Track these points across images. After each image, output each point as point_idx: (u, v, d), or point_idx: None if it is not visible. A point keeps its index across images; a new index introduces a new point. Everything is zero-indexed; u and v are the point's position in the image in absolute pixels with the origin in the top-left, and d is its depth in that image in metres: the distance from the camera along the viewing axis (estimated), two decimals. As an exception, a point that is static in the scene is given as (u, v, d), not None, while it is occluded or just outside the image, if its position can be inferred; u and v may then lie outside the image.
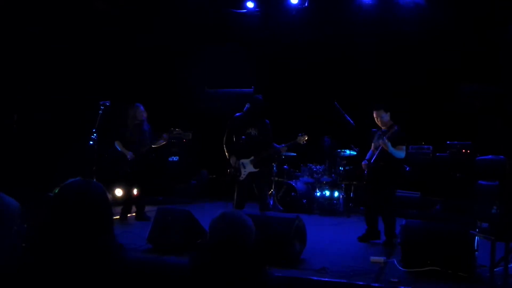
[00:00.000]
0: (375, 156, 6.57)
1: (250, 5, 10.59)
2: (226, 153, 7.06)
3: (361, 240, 6.71)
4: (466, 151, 8.59)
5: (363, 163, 6.82)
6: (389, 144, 6.28)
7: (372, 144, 6.85)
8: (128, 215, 8.02)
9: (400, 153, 6.41)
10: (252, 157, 6.90)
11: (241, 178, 6.91)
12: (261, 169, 6.98)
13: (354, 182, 9.49)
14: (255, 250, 2.19)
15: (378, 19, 9.91)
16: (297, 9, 10.35)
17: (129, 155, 7.78)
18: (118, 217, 7.77)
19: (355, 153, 9.32)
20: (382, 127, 6.68)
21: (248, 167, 6.93)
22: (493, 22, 9.07)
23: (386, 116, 6.63)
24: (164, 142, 8.16)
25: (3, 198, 1.90)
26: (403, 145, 6.45)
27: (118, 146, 7.86)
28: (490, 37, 9.24)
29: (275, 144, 7.05)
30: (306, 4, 10.22)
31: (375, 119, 6.70)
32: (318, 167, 9.70)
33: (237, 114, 7.10)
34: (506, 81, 9.05)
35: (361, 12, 9.96)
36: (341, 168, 9.42)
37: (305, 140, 6.94)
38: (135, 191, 8.00)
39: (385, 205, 6.52)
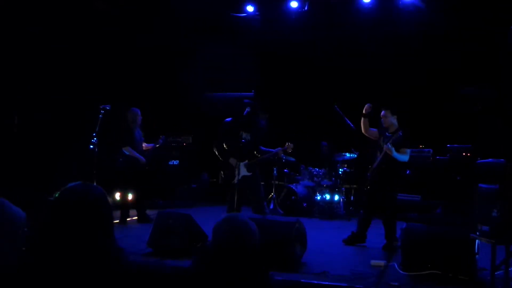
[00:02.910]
0: (378, 160, 6.58)
1: (250, 8, 10.59)
2: (221, 156, 7.14)
3: (346, 242, 6.72)
4: (466, 154, 8.59)
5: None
6: (393, 149, 6.32)
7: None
8: (128, 219, 8.02)
9: (403, 156, 6.46)
10: (246, 161, 7.02)
11: (235, 181, 6.96)
12: (254, 173, 7.06)
13: (355, 186, 9.49)
14: (258, 254, 2.18)
15: (378, 22, 9.91)
16: (296, 13, 10.35)
17: (142, 159, 7.87)
18: (118, 221, 7.77)
19: (355, 156, 9.32)
20: (387, 128, 6.72)
21: (242, 171, 7.00)
22: (493, 23, 9.07)
23: (391, 119, 6.68)
24: (151, 147, 8.34)
25: (10, 207, 1.90)
26: (406, 148, 6.50)
27: (127, 151, 7.88)
28: (490, 38, 9.24)
29: (262, 148, 7.18)
30: (306, 8, 10.22)
31: (382, 118, 6.75)
32: (318, 170, 9.69)
33: (228, 119, 7.23)
34: (506, 83, 9.04)
35: (361, 15, 9.95)
36: (341, 171, 9.42)
37: (291, 149, 7.10)
38: (130, 195, 8.03)
39: (386, 208, 6.53)
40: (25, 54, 8.42)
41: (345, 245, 6.71)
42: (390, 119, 6.69)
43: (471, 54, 9.34)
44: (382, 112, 6.74)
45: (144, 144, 8.24)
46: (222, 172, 7.17)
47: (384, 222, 6.59)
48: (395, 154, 6.35)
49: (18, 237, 1.89)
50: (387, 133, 6.69)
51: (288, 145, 7.05)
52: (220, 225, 2.21)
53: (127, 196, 8.05)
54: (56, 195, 1.96)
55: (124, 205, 8.01)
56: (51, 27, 8.65)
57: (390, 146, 6.33)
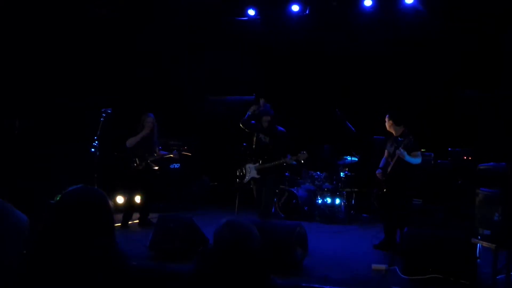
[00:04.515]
0: (391, 166, 6.58)
1: (251, 12, 10.62)
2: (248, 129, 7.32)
3: (377, 247, 6.68)
4: (467, 158, 8.58)
5: (377, 172, 6.83)
6: (405, 153, 6.33)
7: (386, 151, 6.88)
8: (130, 222, 8.03)
9: (416, 159, 6.50)
10: (258, 164, 7.08)
11: (244, 181, 7.14)
12: (263, 177, 7.09)
13: (356, 189, 9.48)
14: (259, 257, 2.18)
15: (379, 26, 9.93)
16: (298, 16, 10.37)
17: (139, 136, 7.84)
18: (120, 224, 7.77)
19: (356, 160, 9.31)
20: (393, 132, 6.74)
21: (252, 172, 7.09)
22: (494, 26, 9.08)
23: (392, 124, 6.72)
24: (167, 155, 8.39)
25: (13, 212, 1.90)
26: (417, 150, 6.54)
27: (129, 144, 7.88)
28: (492, 42, 9.25)
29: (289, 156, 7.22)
30: (307, 11, 10.24)
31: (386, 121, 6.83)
32: (319, 174, 9.68)
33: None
34: (506, 85, 9.05)
35: (362, 19, 9.98)
36: (342, 175, 9.40)
37: (305, 159, 7.13)
38: (138, 199, 8.04)
39: (402, 214, 6.53)
40: (26, 57, 8.44)
41: (375, 249, 6.64)
42: (390, 123, 6.73)
43: (472, 57, 9.35)
44: (386, 117, 6.82)
45: (159, 151, 8.21)
46: (237, 171, 7.26)
47: (388, 225, 6.60)
48: (407, 158, 6.37)
49: (21, 242, 1.89)
50: (397, 138, 6.68)
51: (302, 154, 7.08)
52: (221, 229, 2.21)
53: (133, 199, 8.05)
54: (57, 198, 1.97)
55: (130, 208, 8.02)
56: (53, 31, 8.67)
57: (402, 151, 6.35)
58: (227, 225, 2.21)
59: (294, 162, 8.00)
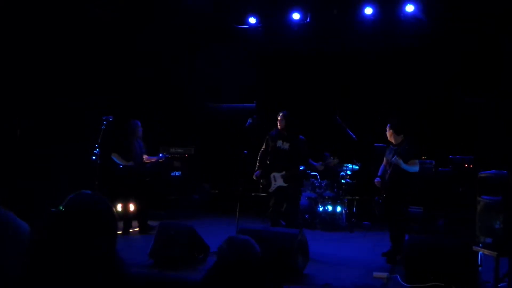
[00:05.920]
0: (388, 173, 6.59)
1: (252, 20, 10.65)
2: (257, 165, 7.28)
3: (385, 255, 6.64)
4: (468, 165, 8.58)
5: (376, 180, 6.83)
6: (400, 161, 6.34)
7: (384, 158, 6.88)
8: (130, 230, 8.03)
9: (413, 167, 6.49)
10: (284, 172, 7.04)
11: (270, 190, 7.11)
12: (290, 185, 7.08)
13: (357, 197, 9.46)
14: (260, 272, 2.20)
15: (379, 34, 9.95)
16: (298, 24, 10.40)
17: (130, 163, 7.86)
18: (121, 232, 7.77)
19: (357, 167, 9.30)
20: (392, 141, 6.75)
21: (278, 181, 7.07)
22: (494, 26, 9.08)
23: (392, 132, 6.73)
24: (155, 160, 8.38)
25: (14, 220, 1.89)
26: (414, 159, 6.52)
27: (116, 158, 7.90)
28: (492, 42, 9.26)
29: (311, 161, 7.20)
30: (308, 19, 10.27)
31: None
32: (320, 181, 9.67)
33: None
34: (507, 86, 9.04)
35: (362, 27, 10.00)
36: (343, 182, 9.39)
37: (336, 164, 7.17)
38: (132, 206, 8.05)
39: (398, 220, 6.53)
40: (26, 58, 8.44)
41: (383, 256, 6.61)
42: (391, 133, 6.74)
43: (472, 57, 9.36)
44: (387, 127, 6.82)
45: (145, 156, 8.23)
46: (261, 181, 7.27)
47: (393, 233, 6.59)
48: (403, 166, 6.38)
49: (22, 251, 1.89)
50: (391, 146, 6.72)
51: (333, 160, 7.10)
52: (223, 246, 2.25)
53: (128, 206, 8.06)
54: (60, 206, 1.96)
55: (126, 215, 8.02)
56: (53, 31, 8.68)
57: (397, 159, 6.36)
58: (229, 242, 2.25)
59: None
